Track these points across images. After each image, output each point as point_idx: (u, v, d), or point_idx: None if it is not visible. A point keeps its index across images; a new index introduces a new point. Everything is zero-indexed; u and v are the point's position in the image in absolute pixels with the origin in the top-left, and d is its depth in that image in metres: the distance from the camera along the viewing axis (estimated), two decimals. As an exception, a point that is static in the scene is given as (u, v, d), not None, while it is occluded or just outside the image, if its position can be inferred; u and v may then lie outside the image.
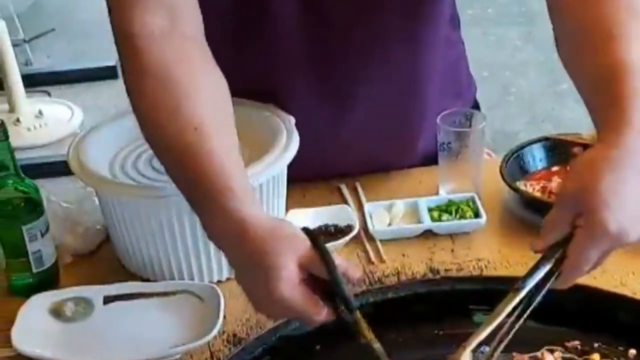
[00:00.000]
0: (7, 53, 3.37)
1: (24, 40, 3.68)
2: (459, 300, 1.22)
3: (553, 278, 0.97)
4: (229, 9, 1.25)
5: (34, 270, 1.23)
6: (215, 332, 1.15)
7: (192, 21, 1.08)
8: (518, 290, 0.96)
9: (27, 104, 3.48)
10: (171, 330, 1.19)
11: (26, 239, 1.21)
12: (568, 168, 0.99)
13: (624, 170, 0.94)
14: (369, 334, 0.96)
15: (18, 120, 3.44)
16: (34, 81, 3.58)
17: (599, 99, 1.02)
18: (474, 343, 0.95)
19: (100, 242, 1.34)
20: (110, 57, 3.82)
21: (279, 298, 0.93)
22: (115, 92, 3.70)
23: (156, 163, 1.25)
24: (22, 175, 1.19)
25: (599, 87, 1.02)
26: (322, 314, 0.95)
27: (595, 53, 1.04)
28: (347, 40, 1.30)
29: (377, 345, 0.95)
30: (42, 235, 1.22)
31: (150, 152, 1.27)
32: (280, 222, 1.01)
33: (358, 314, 0.96)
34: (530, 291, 0.96)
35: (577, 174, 0.97)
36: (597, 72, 1.02)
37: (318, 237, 0.96)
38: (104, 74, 3.80)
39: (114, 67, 3.80)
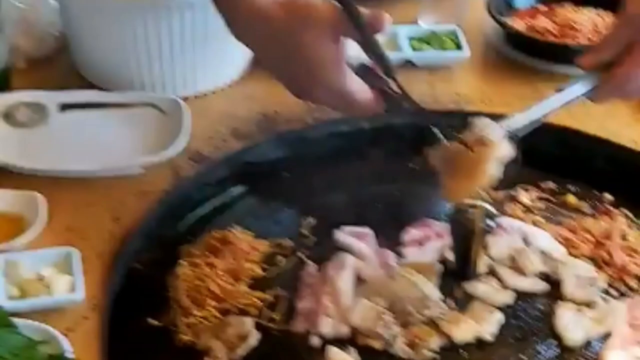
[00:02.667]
0: None
1: None
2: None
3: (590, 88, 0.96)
4: None
5: (-16, 71, 1.15)
6: (179, 147, 1.08)
7: None
8: (560, 91, 0.96)
9: None
10: (131, 143, 1.13)
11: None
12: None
13: None
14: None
15: None
16: None
17: None
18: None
19: (57, 48, 1.26)
20: None
21: (326, 84, 0.89)
22: None
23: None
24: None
25: None
26: (368, 92, 0.90)
27: None
28: None
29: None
30: (-6, 34, 1.13)
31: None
32: None
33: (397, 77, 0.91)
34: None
35: None
36: None
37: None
38: None
39: None
